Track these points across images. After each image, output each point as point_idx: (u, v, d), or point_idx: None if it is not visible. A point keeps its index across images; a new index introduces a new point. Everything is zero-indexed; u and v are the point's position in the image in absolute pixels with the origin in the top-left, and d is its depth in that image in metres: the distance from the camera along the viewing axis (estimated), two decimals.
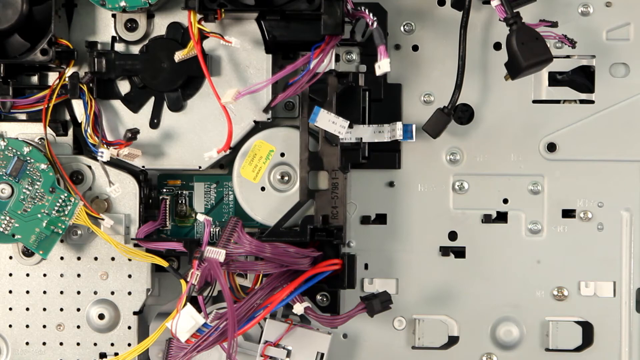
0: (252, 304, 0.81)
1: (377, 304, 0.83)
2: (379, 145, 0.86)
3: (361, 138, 0.85)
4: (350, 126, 0.84)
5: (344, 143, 0.85)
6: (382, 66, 0.80)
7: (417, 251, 0.89)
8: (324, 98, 0.84)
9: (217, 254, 0.79)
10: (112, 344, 0.87)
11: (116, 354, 0.86)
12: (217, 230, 0.89)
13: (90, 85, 0.84)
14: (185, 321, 0.81)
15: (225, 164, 0.88)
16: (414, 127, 0.85)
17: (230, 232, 0.80)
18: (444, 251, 0.89)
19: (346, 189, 0.85)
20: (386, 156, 0.88)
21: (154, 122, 0.86)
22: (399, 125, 0.85)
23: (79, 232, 0.86)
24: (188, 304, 0.81)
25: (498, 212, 0.89)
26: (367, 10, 0.81)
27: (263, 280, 0.84)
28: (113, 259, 0.86)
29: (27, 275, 0.87)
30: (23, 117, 0.86)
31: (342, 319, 0.83)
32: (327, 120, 0.83)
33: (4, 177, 0.83)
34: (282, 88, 0.83)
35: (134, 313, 0.87)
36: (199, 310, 0.82)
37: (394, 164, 0.88)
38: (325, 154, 0.85)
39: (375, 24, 0.79)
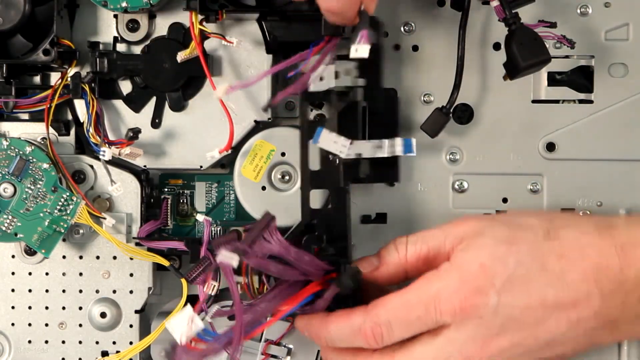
0: (259, 314, 0.80)
1: (347, 279, 0.79)
2: (377, 159, 0.84)
3: (360, 154, 0.83)
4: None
5: (344, 159, 0.83)
6: (360, 50, 0.76)
7: None
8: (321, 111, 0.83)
9: (230, 258, 0.77)
10: (114, 342, 0.87)
11: (118, 352, 0.87)
12: (218, 229, 0.90)
13: (92, 85, 0.84)
14: (183, 324, 0.79)
15: (227, 163, 0.89)
16: (414, 141, 0.83)
17: (262, 228, 0.78)
18: None
19: (350, 207, 0.83)
20: (385, 171, 0.86)
21: (156, 122, 0.86)
22: (397, 140, 0.83)
23: (81, 231, 0.86)
24: (188, 305, 0.80)
25: (498, 212, 0.89)
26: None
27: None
28: (115, 257, 0.87)
29: (30, 274, 0.87)
30: (25, 116, 0.87)
31: (323, 301, 0.80)
32: (329, 140, 0.81)
33: (7, 177, 0.83)
34: (282, 85, 0.83)
35: (136, 312, 0.87)
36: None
37: (395, 178, 0.87)
38: (327, 173, 0.84)
39: (363, 8, 0.77)
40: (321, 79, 0.81)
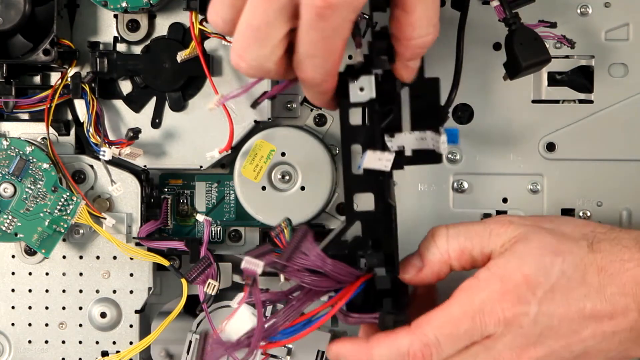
0: (285, 318, 0.78)
1: (390, 320, 0.78)
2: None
3: (403, 146, 0.79)
4: (391, 135, 0.79)
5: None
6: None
7: None
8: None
9: (255, 265, 0.76)
10: (114, 342, 0.87)
11: (118, 352, 0.87)
12: (218, 229, 0.90)
13: (92, 85, 0.84)
14: (245, 322, 0.79)
15: (227, 163, 0.89)
16: (457, 131, 0.80)
17: (299, 241, 0.77)
18: None
19: (396, 223, 0.80)
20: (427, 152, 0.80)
21: (156, 122, 0.86)
22: (442, 138, 0.78)
23: (81, 231, 0.87)
24: (245, 304, 0.79)
25: (497, 212, 0.89)
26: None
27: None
28: (115, 257, 0.87)
29: (30, 274, 0.87)
30: (25, 116, 0.87)
31: (354, 319, 0.80)
32: (374, 159, 0.78)
33: (7, 177, 0.83)
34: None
35: (136, 311, 0.87)
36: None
37: (436, 159, 0.80)
38: (370, 176, 0.79)
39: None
40: (361, 89, 0.77)
